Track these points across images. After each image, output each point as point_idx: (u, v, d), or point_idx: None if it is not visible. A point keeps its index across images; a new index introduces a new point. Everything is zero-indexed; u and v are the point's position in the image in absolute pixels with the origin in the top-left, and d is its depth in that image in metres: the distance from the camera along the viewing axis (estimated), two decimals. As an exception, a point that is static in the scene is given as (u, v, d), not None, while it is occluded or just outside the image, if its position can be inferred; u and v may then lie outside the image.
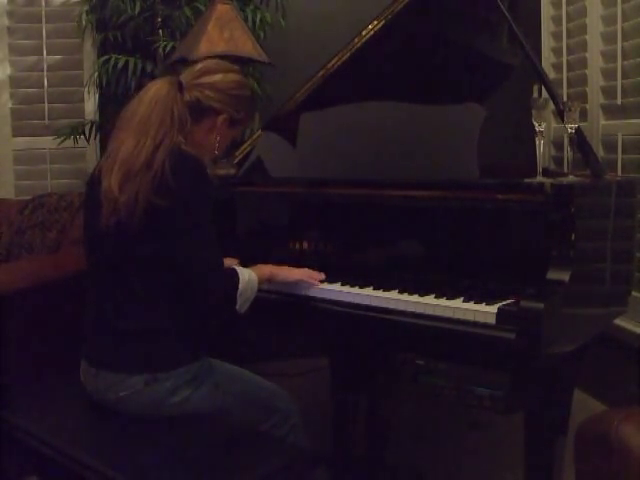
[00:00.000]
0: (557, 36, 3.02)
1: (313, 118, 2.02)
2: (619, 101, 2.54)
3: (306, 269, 1.71)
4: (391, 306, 1.55)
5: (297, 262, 1.75)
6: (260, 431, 1.56)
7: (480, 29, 2.20)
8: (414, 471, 2.12)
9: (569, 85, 2.93)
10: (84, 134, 3.01)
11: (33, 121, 3.21)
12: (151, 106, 1.53)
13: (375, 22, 2.13)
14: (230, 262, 1.72)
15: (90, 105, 3.20)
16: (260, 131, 2.31)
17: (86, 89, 3.09)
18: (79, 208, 2.64)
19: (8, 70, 3.18)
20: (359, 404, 1.99)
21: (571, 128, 1.66)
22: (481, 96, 2.15)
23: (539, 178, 1.62)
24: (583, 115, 2.63)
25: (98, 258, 1.57)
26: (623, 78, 2.51)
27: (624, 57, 2.51)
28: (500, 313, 1.39)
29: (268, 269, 1.67)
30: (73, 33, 3.12)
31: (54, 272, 2.38)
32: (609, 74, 2.61)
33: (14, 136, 3.22)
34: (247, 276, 1.56)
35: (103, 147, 3.08)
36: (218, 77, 1.64)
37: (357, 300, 1.61)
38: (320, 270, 1.72)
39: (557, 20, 3.02)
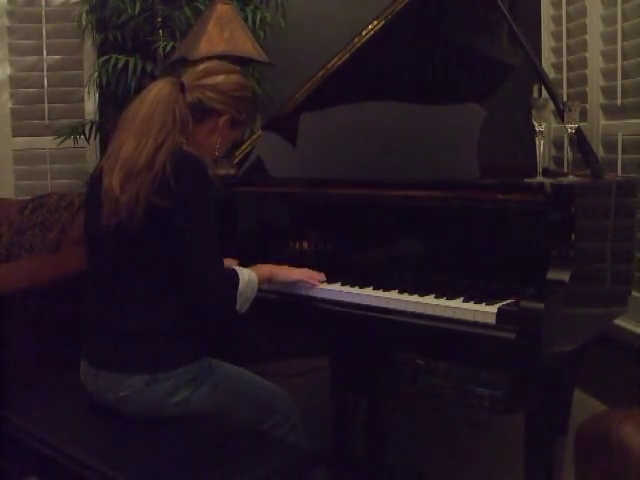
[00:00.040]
0: (557, 36, 3.03)
1: (313, 118, 2.02)
2: (619, 101, 2.54)
3: (306, 269, 1.71)
4: (391, 306, 1.55)
5: (297, 262, 1.75)
6: (260, 431, 1.56)
7: (480, 29, 2.20)
8: (414, 471, 2.12)
9: (569, 85, 2.93)
10: (84, 134, 3.01)
11: (33, 121, 3.21)
12: (153, 107, 1.53)
13: (375, 22, 2.13)
14: (230, 262, 1.71)
15: (90, 105, 3.20)
16: (260, 131, 2.31)
17: (86, 89, 3.08)
18: (79, 208, 2.64)
19: (8, 70, 3.17)
20: (359, 404, 1.98)
21: (571, 128, 1.66)
22: (481, 96, 2.15)
23: (539, 178, 1.62)
24: (583, 115, 2.63)
25: (98, 258, 1.57)
26: (623, 78, 2.51)
27: (624, 57, 2.51)
28: (500, 313, 1.39)
29: (268, 269, 1.67)
30: (73, 33, 3.12)
31: (54, 272, 2.38)
32: (609, 74, 2.61)
33: (14, 136, 3.22)
34: (247, 276, 1.56)
35: (103, 147, 3.08)
36: (220, 78, 1.64)
37: (357, 300, 1.61)
38: (320, 270, 1.71)
39: (557, 20, 3.02)
